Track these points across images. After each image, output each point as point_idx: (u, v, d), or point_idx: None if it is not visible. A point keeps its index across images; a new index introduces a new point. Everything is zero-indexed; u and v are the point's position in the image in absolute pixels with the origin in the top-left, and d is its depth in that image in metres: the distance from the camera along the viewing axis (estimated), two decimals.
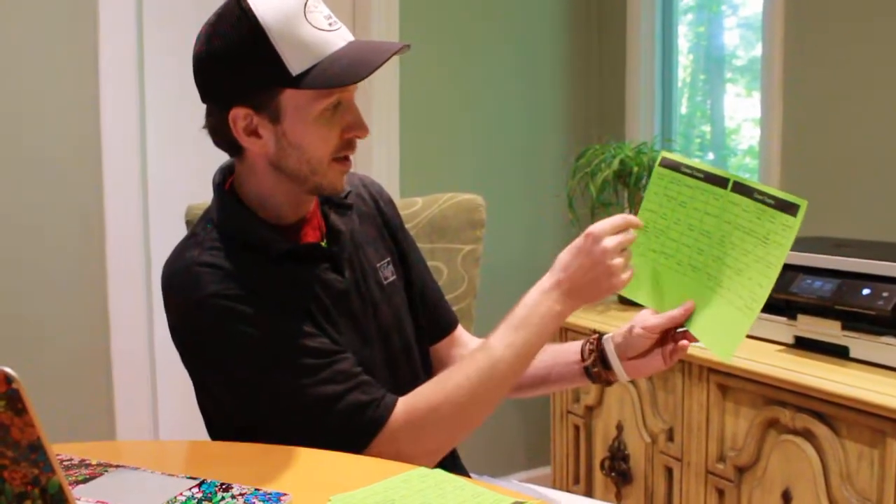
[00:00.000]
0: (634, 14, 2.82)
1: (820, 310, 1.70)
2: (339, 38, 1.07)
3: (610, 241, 1.09)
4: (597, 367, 1.25)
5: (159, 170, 2.31)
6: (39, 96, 2.13)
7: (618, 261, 1.09)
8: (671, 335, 1.18)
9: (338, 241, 1.19)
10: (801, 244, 1.88)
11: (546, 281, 1.13)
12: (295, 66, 1.03)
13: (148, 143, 2.28)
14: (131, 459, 1.00)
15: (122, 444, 1.12)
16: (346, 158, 1.12)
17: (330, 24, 1.07)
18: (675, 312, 1.14)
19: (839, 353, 1.68)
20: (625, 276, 1.10)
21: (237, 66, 1.06)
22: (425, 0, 2.60)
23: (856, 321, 1.64)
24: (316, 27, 1.05)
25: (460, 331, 1.42)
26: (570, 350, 1.30)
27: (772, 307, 1.80)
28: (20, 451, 0.62)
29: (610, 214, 2.32)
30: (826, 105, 2.19)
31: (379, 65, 1.04)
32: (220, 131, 1.12)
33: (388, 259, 1.29)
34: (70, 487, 0.84)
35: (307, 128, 1.07)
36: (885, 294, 1.56)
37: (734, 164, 2.71)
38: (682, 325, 1.16)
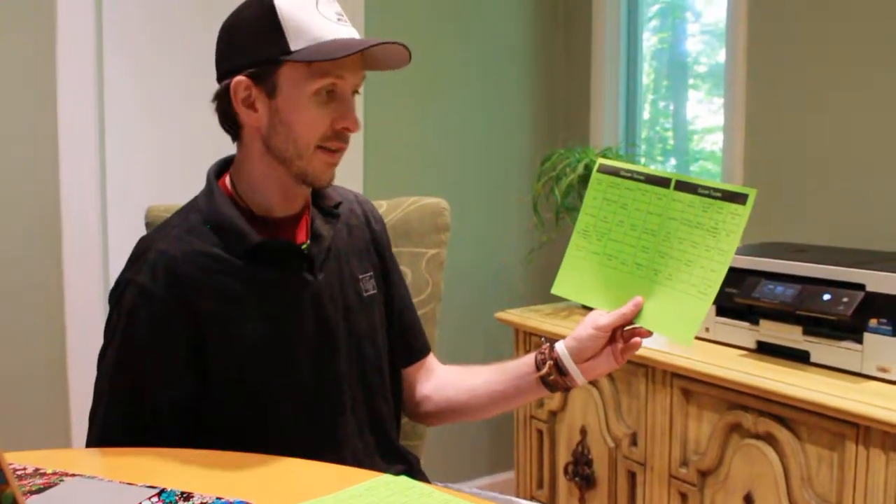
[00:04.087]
0: (599, 19, 2.84)
1: (781, 315, 1.72)
2: (342, 30, 1.12)
3: None
4: (553, 374, 1.24)
5: (118, 172, 2.26)
6: None
7: None
8: (621, 333, 1.19)
9: (318, 243, 1.21)
10: (763, 250, 1.90)
11: None
12: (294, 43, 1.09)
13: (106, 145, 2.23)
14: (88, 468, 0.98)
15: (79, 451, 1.10)
16: (334, 151, 1.15)
17: (338, 19, 1.12)
18: (624, 309, 1.15)
19: (800, 357, 1.69)
20: None
21: (244, 36, 1.13)
22: (390, 3, 2.59)
23: (816, 326, 1.66)
24: (323, 16, 1.11)
25: (431, 359, 1.43)
26: (524, 363, 1.29)
27: (734, 312, 1.82)
28: None
29: (575, 218, 2.34)
30: (788, 111, 2.22)
31: (370, 45, 1.08)
32: (223, 106, 1.17)
33: (371, 273, 1.31)
34: (24, 498, 0.82)
35: (299, 107, 1.11)
36: (844, 299, 1.57)
37: (696, 169, 2.74)
38: (632, 322, 1.17)
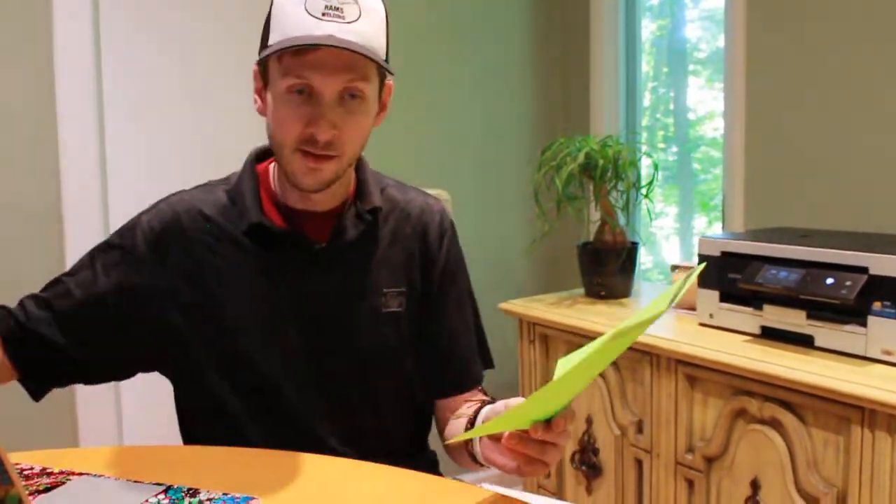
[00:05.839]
0: (598, 7, 2.83)
1: (785, 299, 1.71)
2: (320, 26, 1.05)
3: None
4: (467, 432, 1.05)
5: (118, 170, 2.26)
6: None
7: None
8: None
9: (336, 243, 1.19)
10: (765, 235, 1.90)
11: None
12: (272, 36, 1.08)
13: (106, 144, 2.24)
14: (95, 466, 0.98)
15: (85, 450, 1.10)
16: (311, 155, 1.09)
17: (324, 14, 1.06)
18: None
19: (804, 342, 1.69)
20: None
21: (262, 30, 1.13)
22: None
23: (820, 310, 1.66)
24: (307, 11, 1.05)
25: (474, 394, 1.31)
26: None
27: (738, 297, 1.82)
28: None
29: (576, 208, 2.33)
30: (789, 95, 2.21)
31: (302, 45, 1.03)
32: None
33: (403, 290, 1.24)
34: (30, 498, 0.82)
35: (275, 105, 1.10)
36: (848, 283, 1.57)
37: (698, 155, 2.73)
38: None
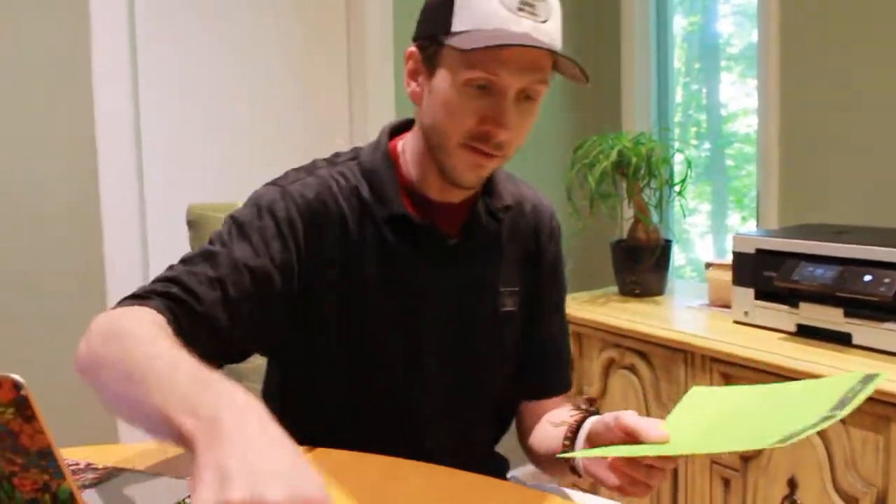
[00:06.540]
0: (629, 3, 2.81)
1: (822, 297, 1.70)
2: (517, 21, 1.00)
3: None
4: (567, 441, 1.08)
5: (156, 171, 2.30)
6: (32, 95, 2.12)
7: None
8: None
9: (468, 240, 1.16)
10: (801, 232, 1.88)
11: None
12: (458, 23, 1.01)
13: (143, 144, 2.27)
14: (137, 462, 1.00)
15: (128, 446, 1.12)
16: (480, 152, 1.05)
17: (520, 8, 1.00)
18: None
19: (842, 340, 1.68)
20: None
21: (426, 8, 1.08)
22: None
23: (858, 308, 1.64)
24: (503, 4, 1.00)
25: (560, 401, 1.28)
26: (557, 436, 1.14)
27: (774, 295, 1.81)
28: (30, 457, 0.61)
29: (609, 206, 2.32)
30: (824, 91, 2.19)
31: (509, 44, 0.97)
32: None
33: (517, 289, 1.22)
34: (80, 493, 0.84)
35: (448, 94, 1.03)
36: (886, 280, 1.55)
37: (731, 152, 2.71)
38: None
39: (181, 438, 0.67)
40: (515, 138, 1.06)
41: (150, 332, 0.88)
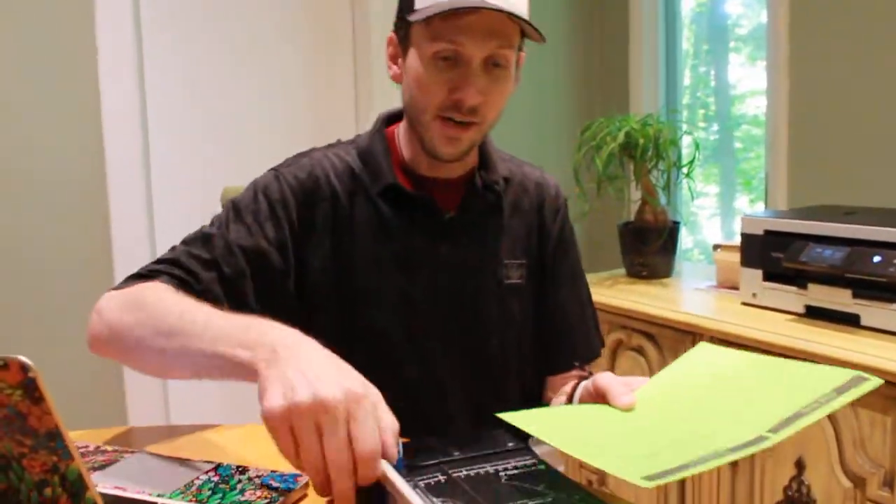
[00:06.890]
0: None
1: (830, 278, 1.69)
2: None
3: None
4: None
5: (163, 165, 2.30)
6: (40, 91, 2.12)
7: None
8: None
9: (464, 214, 1.18)
10: (809, 213, 1.87)
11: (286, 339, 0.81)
12: (420, 2, 1.06)
13: (150, 138, 2.27)
14: (146, 445, 1.00)
15: (137, 429, 1.12)
16: (453, 122, 1.08)
17: None
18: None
19: (850, 321, 1.67)
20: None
21: None
22: None
23: (866, 289, 1.63)
24: None
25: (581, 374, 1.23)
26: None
27: (782, 276, 1.80)
28: (38, 439, 0.62)
29: (616, 188, 2.31)
30: (833, 72, 2.17)
31: (468, 7, 1.01)
32: None
33: (523, 262, 1.23)
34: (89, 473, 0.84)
35: (418, 70, 1.08)
36: (895, 261, 1.55)
37: (739, 134, 2.70)
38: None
39: (236, 369, 0.80)
40: (489, 104, 1.09)
41: (172, 296, 0.98)
